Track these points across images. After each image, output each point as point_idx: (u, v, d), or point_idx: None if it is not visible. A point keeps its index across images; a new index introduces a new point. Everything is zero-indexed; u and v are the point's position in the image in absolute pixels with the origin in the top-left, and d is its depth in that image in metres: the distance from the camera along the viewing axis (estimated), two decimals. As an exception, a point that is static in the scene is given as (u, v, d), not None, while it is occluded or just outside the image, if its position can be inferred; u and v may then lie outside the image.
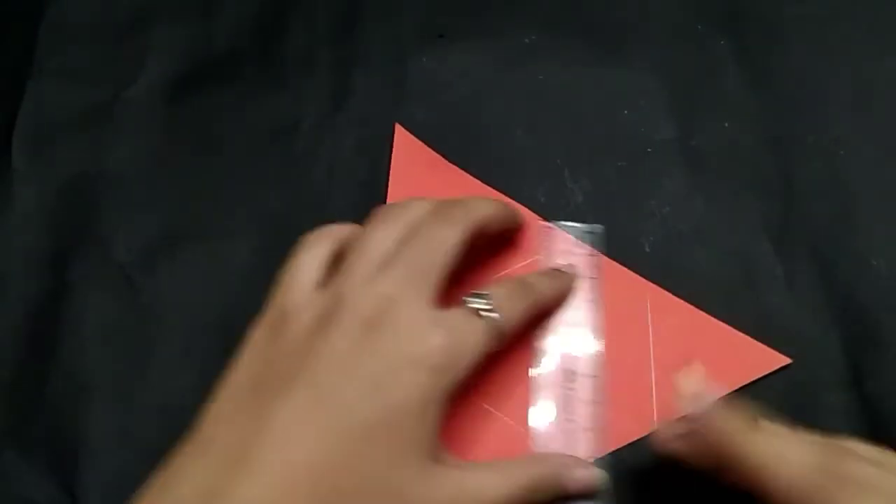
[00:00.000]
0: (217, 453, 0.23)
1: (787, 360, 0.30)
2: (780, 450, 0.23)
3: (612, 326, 0.32)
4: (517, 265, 0.33)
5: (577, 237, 0.33)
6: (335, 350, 0.24)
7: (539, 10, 0.39)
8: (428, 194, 0.33)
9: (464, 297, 0.26)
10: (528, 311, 0.28)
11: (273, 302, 0.27)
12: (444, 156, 0.36)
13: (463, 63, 0.38)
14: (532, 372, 0.31)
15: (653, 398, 0.30)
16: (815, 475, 0.22)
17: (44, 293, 0.33)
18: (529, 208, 0.34)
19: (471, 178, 0.35)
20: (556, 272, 0.32)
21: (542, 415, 0.30)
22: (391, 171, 0.35)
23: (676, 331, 0.31)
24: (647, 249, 0.33)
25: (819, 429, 0.29)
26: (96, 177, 0.36)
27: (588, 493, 0.27)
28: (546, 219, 0.34)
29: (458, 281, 0.31)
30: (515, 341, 0.30)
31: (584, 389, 0.30)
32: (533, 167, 0.35)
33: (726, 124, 0.36)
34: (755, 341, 0.31)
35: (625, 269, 0.33)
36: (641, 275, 0.33)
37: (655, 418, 0.30)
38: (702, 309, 0.32)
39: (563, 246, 0.33)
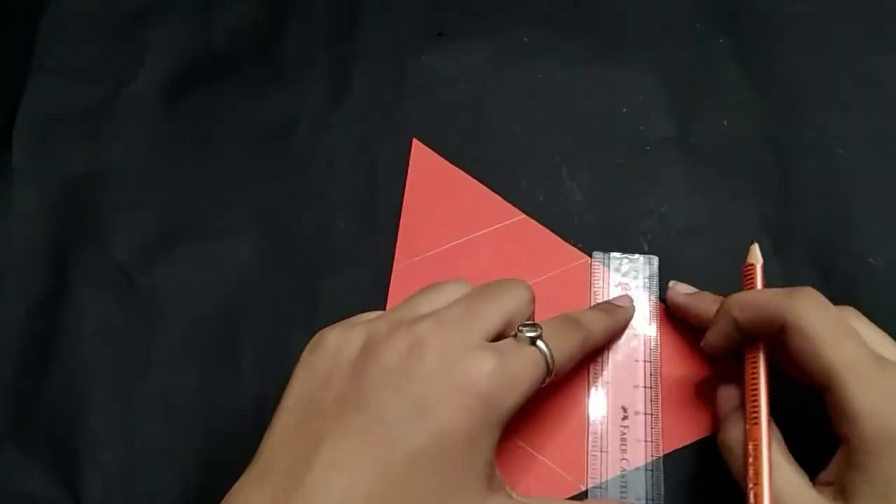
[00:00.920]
0: (274, 482, 0.23)
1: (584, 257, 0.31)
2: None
3: (666, 352, 0.31)
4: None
5: (634, 269, 0.33)
6: (383, 370, 0.23)
7: (538, 9, 0.39)
8: (443, 206, 0.34)
9: (517, 327, 0.26)
10: (580, 348, 0.28)
11: (326, 332, 0.26)
12: (450, 160, 0.36)
13: (462, 61, 0.38)
14: (586, 414, 0.31)
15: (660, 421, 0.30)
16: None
17: (43, 291, 0.34)
18: (530, 213, 0.34)
19: (489, 191, 0.35)
20: (609, 306, 0.31)
21: (595, 457, 0.30)
22: (407, 184, 0.35)
23: (681, 354, 0.31)
24: (646, 248, 0.33)
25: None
26: (95, 175, 0.36)
27: None
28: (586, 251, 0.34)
29: None
30: (567, 381, 0.30)
31: (637, 426, 0.30)
32: (531, 165, 0.35)
33: (725, 123, 0.36)
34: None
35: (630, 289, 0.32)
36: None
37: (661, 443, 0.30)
38: None
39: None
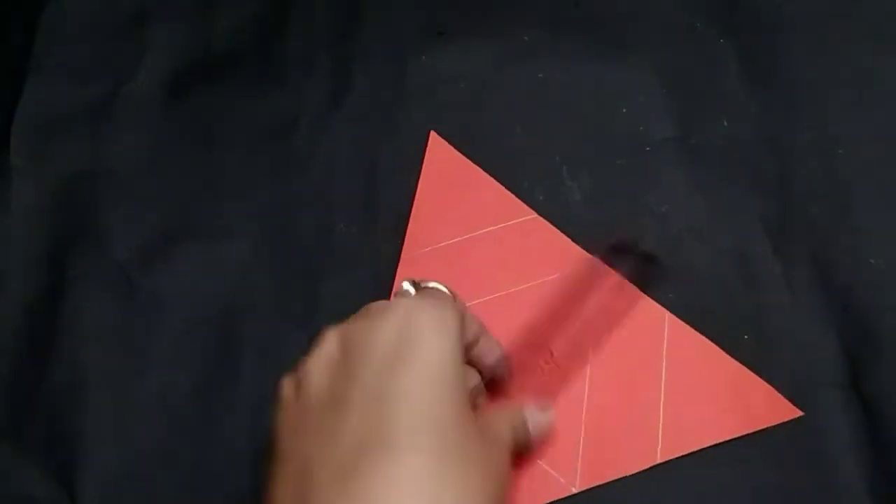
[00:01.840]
0: None
1: (798, 413, 0.29)
2: None
3: (626, 354, 0.31)
4: (532, 282, 0.33)
5: None
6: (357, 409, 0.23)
7: (538, 9, 0.39)
8: (456, 200, 0.34)
9: (402, 288, 0.28)
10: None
11: (287, 380, 0.26)
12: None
13: (462, 61, 0.38)
14: (583, 413, 0.30)
15: (659, 432, 0.30)
16: None
17: (42, 290, 0.34)
18: (532, 208, 0.34)
19: (503, 188, 0.35)
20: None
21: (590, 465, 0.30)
22: (421, 175, 0.35)
23: (691, 365, 0.31)
24: (646, 248, 0.33)
25: (817, 428, 0.29)
26: (94, 174, 0.36)
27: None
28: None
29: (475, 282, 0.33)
30: (566, 378, 0.31)
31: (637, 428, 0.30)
32: (532, 165, 0.35)
33: (725, 123, 0.36)
34: (771, 388, 0.30)
35: (645, 296, 0.32)
36: (640, 273, 0.33)
37: (659, 453, 0.29)
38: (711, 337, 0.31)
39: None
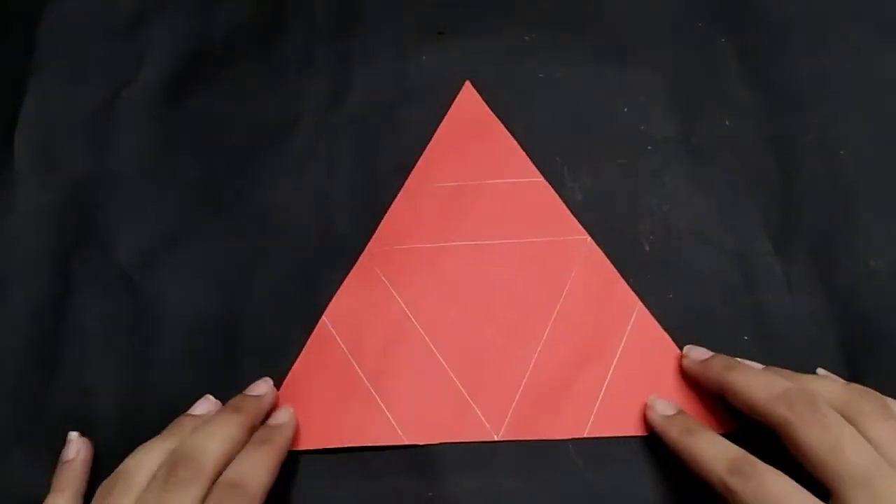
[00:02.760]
0: None
1: (730, 426, 0.30)
2: (749, 382, 0.27)
3: (587, 328, 0.32)
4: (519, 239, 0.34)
5: None
6: None
7: (539, 8, 0.39)
8: (470, 147, 0.35)
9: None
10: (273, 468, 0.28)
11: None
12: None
13: (462, 61, 0.38)
14: (528, 367, 0.31)
15: (595, 408, 0.30)
16: (774, 400, 0.26)
17: (45, 293, 0.34)
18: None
19: (518, 148, 0.35)
20: (268, 432, 0.29)
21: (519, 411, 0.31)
22: (445, 118, 0.36)
23: (646, 357, 0.31)
24: (647, 248, 0.33)
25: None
26: (97, 177, 0.36)
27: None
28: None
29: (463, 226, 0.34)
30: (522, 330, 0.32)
31: (577, 396, 0.31)
32: (532, 164, 0.35)
33: (727, 122, 0.36)
34: (716, 403, 0.30)
35: (621, 279, 0.33)
36: (641, 274, 0.33)
37: (588, 427, 0.30)
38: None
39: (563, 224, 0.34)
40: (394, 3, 0.39)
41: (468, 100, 0.36)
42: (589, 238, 0.33)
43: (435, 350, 0.32)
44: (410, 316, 0.32)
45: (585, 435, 0.30)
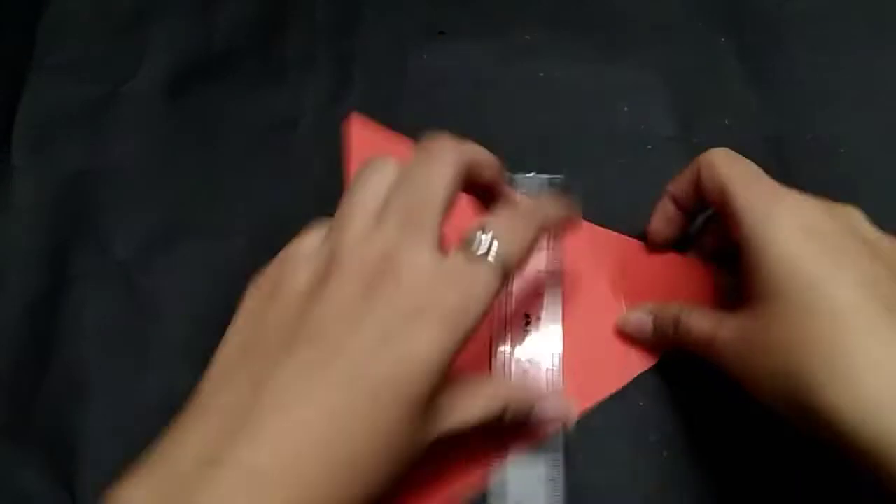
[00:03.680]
0: (216, 419, 0.21)
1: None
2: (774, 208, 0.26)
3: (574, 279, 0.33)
4: None
5: (540, 186, 0.34)
6: (337, 306, 0.22)
7: (540, 8, 0.39)
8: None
9: (464, 239, 0.24)
10: (533, 243, 0.25)
11: (266, 270, 0.26)
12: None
13: (463, 60, 0.38)
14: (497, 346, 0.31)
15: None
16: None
17: (42, 289, 0.33)
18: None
19: None
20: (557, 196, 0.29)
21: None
22: (350, 157, 0.35)
23: (639, 268, 0.32)
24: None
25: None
26: (95, 173, 0.36)
27: (558, 423, 0.29)
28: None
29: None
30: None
31: (540, 355, 0.31)
32: (532, 164, 0.35)
33: (727, 122, 0.36)
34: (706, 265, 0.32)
35: (592, 225, 0.33)
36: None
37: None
38: None
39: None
40: (394, 2, 0.39)
41: (362, 130, 0.35)
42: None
43: None
44: None
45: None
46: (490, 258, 0.23)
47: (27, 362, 0.32)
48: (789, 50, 0.37)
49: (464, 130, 0.36)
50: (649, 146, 0.35)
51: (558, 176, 0.35)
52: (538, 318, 0.32)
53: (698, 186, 0.28)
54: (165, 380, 0.32)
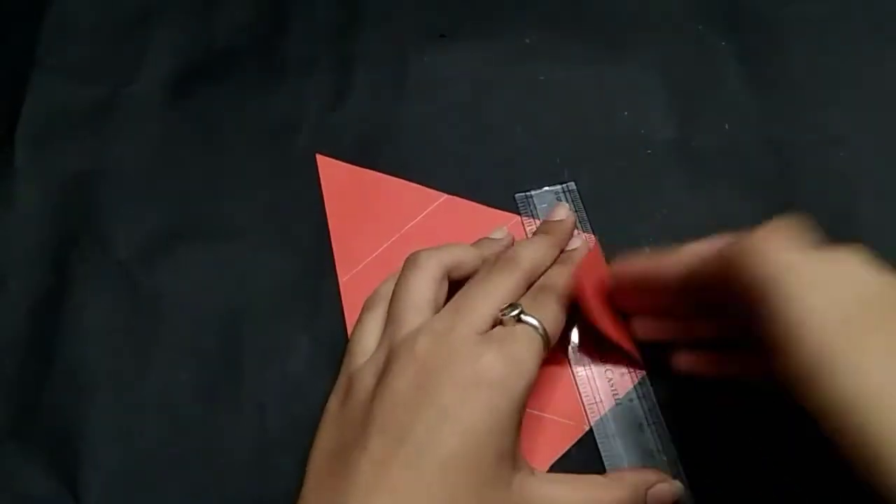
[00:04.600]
0: None
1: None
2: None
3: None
4: None
5: (557, 198, 0.34)
6: (396, 392, 0.24)
7: (540, 11, 0.39)
8: (368, 210, 0.34)
9: (498, 316, 0.26)
10: (561, 308, 0.28)
11: (341, 371, 0.28)
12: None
13: (463, 63, 0.38)
14: (571, 361, 0.31)
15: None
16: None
17: (44, 290, 0.34)
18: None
19: (406, 182, 0.35)
20: (568, 255, 0.32)
21: (591, 399, 0.31)
22: (325, 199, 0.35)
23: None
24: (647, 250, 0.33)
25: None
26: (97, 174, 0.36)
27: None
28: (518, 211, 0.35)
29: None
30: None
31: (615, 355, 0.31)
32: (532, 167, 0.35)
33: (726, 125, 0.36)
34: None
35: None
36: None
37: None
38: None
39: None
40: (395, 5, 0.39)
41: (331, 170, 0.36)
42: (520, 217, 0.34)
43: None
44: None
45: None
46: (527, 320, 0.26)
47: (30, 363, 0.32)
48: (789, 53, 0.37)
49: (463, 133, 0.36)
50: (649, 150, 0.35)
51: (571, 182, 0.35)
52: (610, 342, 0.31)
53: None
54: (167, 380, 0.32)
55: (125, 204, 0.35)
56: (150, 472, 0.30)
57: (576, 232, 0.33)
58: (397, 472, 0.23)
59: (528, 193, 0.35)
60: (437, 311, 0.27)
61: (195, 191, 0.36)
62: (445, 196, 0.35)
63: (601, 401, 0.30)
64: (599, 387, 0.31)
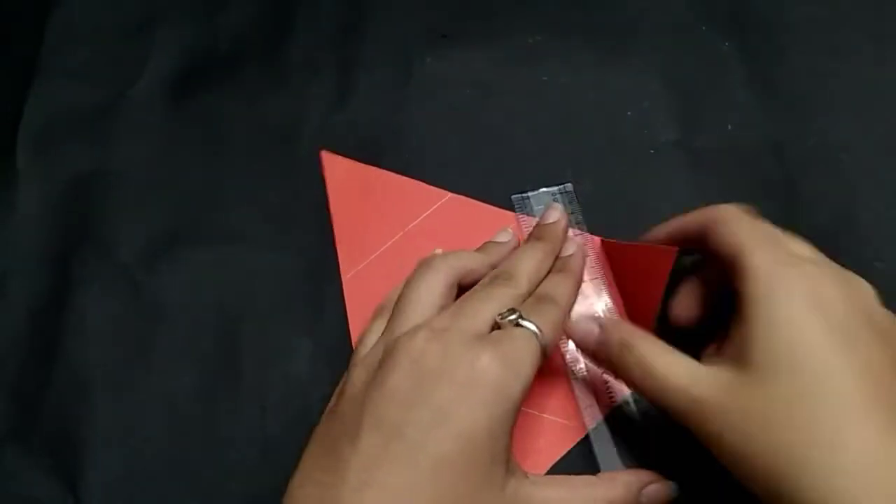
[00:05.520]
0: None
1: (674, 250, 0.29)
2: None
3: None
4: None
5: (553, 199, 0.34)
6: (392, 390, 0.24)
7: (543, 12, 0.39)
8: (372, 207, 0.34)
9: (496, 319, 0.26)
10: (560, 314, 0.28)
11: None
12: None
13: (466, 64, 0.38)
14: (568, 364, 0.31)
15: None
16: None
17: (46, 292, 0.34)
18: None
19: (411, 180, 0.35)
20: (563, 263, 0.31)
21: (588, 401, 0.31)
22: (329, 196, 0.35)
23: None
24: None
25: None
26: (99, 176, 0.36)
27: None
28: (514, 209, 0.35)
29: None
30: None
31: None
32: (535, 168, 0.35)
33: (729, 127, 0.36)
34: (645, 246, 0.31)
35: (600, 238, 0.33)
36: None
37: None
38: None
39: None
40: (399, 6, 0.39)
41: (335, 166, 0.36)
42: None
43: None
44: None
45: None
46: (525, 323, 0.26)
47: (32, 366, 0.32)
48: (792, 56, 0.37)
49: (466, 134, 0.36)
50: (652, 151, 0.35)
51: (568, 183, 0.35)
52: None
53: (707, 238, 0.27)
54: (168, 382, 0.32)
55: (127, 206, 0.35)
56: (151, 474, 0.30)
57: (571, 234, 0.33)
58: (388, 470, 0.22)
59: (524, 195, 0.35)
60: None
61: (197, 193, 0.36)
62: (450, 195, 0.35)
63: (598, 403, 0.30)
64: (596, 390, 0.31)
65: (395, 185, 0.35)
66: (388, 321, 0.28)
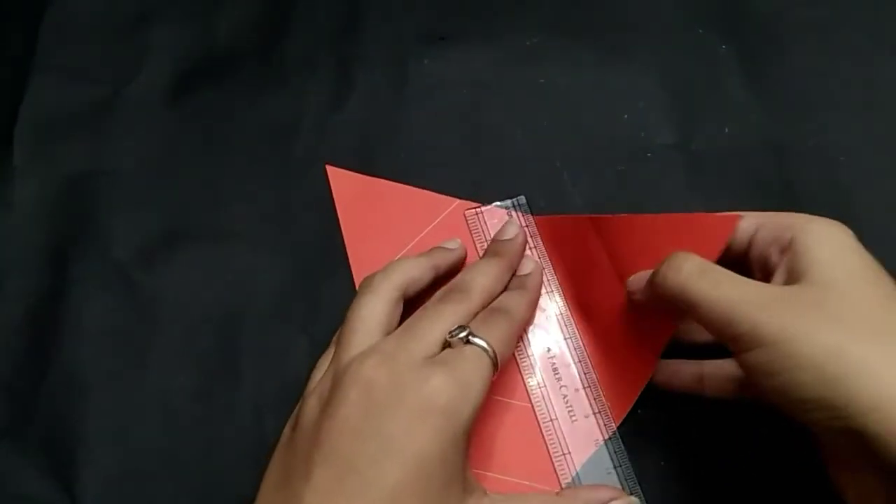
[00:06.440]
0: None
1: (736, 216, 0.28)
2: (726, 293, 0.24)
3: (570, 276, 0.32)
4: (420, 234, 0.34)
5: (507, 211, 0.34)
6: (340, 420, 0.24)
7: (540, 13, 0.39)
8: (382, 219, 0.34)
9: (445, 338, 0.26)
10: (511, 329, 0.28)
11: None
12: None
13: (463, 65, 0.38)
14: (526, 381, 0.31)
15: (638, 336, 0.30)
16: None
17: (43, 291, 0.34)
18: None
19: (418, 190, 0.35)
20: (520, 281, 0.31)
21: (549, 421, 0.30)
22: (338, 211, 0.35)
23: (630, 241, 0.30)
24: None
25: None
26: (96, 175, 0.36)
27: None
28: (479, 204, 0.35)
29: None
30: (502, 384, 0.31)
31: (571, 378, 0.31)
32: (532, 170, 0.35)
33: (726, 129, 0.36)
34: (703, 214, 0.29)
35: (557, 216, 0.33)
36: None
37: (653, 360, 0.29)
38: None
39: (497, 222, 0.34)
40: (396, 7, 0.39)
41: (340, 180, 0.36)
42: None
43: None
44: None
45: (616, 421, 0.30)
46: (475, 341, 0.26)
47: (27, 364, 0.32)
48: (789, 57, 0.37)
49: (463, 135, 0.36)
50: (649, 153, 0.35)
51: (521, 196, 0.35)
52: (576, 389, 0.31)
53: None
54: (165, 381, 0.32)
55: (124, 204, 0.35)
56: (147, 473, 0.30)
57: (527, 253, 0.33)
58: None
59: (478, 210, 0.34)
60: (389, 334, 0.27)
61: (194, 191, 0.36)
62: (457, 201, 0.35)
63: (556, 418, 0.30)
64: (555, 404, 0.31)
65: (402, 195, 0.35)
66: (336, 348, 0.27)
